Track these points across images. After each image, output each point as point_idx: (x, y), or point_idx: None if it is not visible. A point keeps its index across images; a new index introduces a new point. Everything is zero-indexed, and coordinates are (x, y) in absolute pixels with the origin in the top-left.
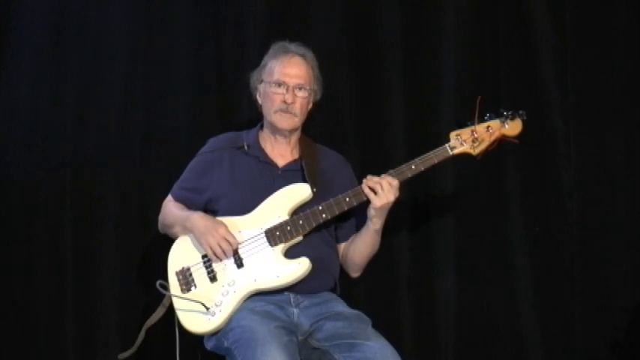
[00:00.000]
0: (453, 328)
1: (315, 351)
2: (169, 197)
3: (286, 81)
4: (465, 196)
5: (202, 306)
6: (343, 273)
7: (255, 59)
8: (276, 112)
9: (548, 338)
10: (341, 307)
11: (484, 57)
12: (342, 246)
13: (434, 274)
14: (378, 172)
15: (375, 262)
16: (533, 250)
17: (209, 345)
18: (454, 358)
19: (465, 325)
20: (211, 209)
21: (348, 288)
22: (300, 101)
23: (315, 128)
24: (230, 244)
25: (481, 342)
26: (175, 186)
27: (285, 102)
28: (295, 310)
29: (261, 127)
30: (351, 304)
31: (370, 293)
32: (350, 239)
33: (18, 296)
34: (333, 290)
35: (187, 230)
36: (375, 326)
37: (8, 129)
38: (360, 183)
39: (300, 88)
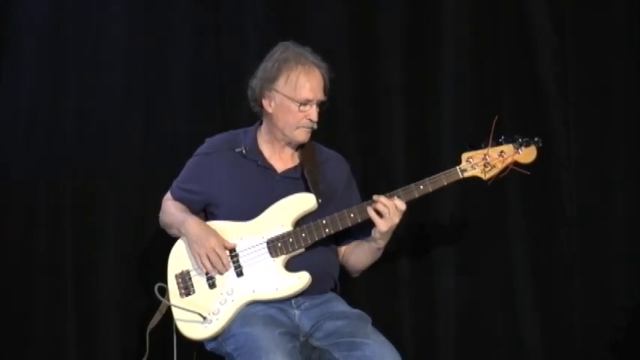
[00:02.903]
0: (453, 328)
1: (315, 350)
2: (168, 195)
3: (312, 99)
4: (465, 195)
5: (199, 315)
6: (342, 272)
7: (255, 59)
8: (298, 128)
9: (548, 338)
10: (341, 306)
11: (484, 57)
12: (342, 249)
13: (434, 273)
14: (377, 173)
15: (376, 262)
16: (533, 250)
17: (209, 346)
18: (454, 357)
19: (465, 325)
20: (211, 213)
21: (348, 287)
22: (319, 114)
23: (315, 128)
24: (219, 257)
25: (481, 342)
26: (174, 184)
27: (311, 120)
28: (296, 312)
29: (260, 124)
30: (352, 303)
31: (370, 292)
32: (350, 244)
33: (18, 296)
34: (333, 289)
35: (183, 234)
36: (375, 325)
37: (8, 129)
38: (358, 187)
39: (322, 103)
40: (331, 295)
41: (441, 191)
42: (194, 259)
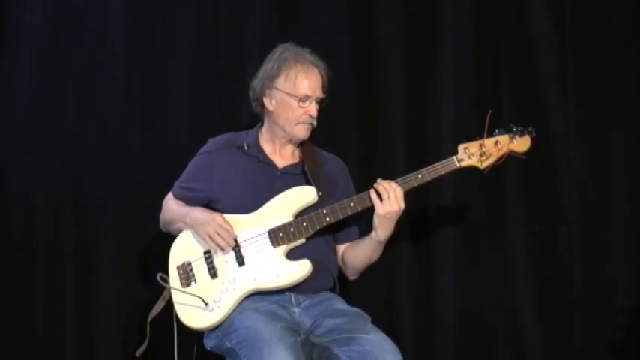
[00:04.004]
0: (453, 328)
1: (315, 347)
2: (170, 195)
3: (311, 95)
4: (465, 195)
5: (201, 301)
6: (341, 273)
7: (255, 59)
8: (298, 124)
9: (548, 338)
10: (340, 304)
11: (484, 57)
12: (340, 247)
13: (433, 273)
14: (377, 173)
15: (375, 261)
16: (533, 250)
17: (209, 345)
18: (454, 357)
19: (465, 325)
20: (212, 209)
21: (348, 287)
22: (318, 112)
23: (315, 128)
24: (227, 231)
25: (481, 342)
26: (176, 185)
27: (310, 116)
28: (296, 310)
29: (261, 126)
30: (351, 302)
31: (370, 292)
32: (349, 242)
33: (18, 296)
34: (332, 289)
35: (188, 226)
36: (374, 324)
37: (8, 129)
38: (357, 186)
39: (321, 101)
40: (330, 294)
41: (436, 185)
42: (204, 241)
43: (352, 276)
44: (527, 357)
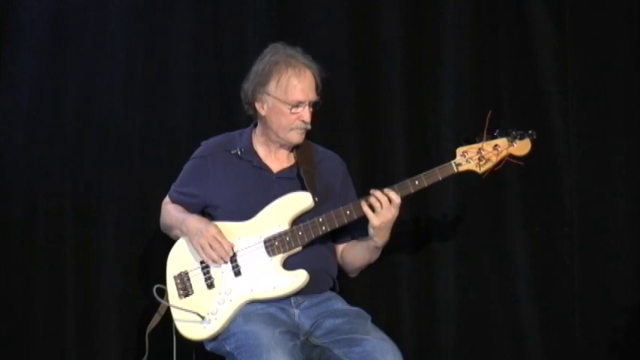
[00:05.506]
0: (453, 328)
1: (316, 348)
2: (167, 199)
3: (304, 100)
4: (465, 195)
5: (198, 315)
6: (341, 271)
7: (255, 59)
8: (292, 130)
9: (548, 338)
10: (340, 304)
11: (484, 57)
12: (339, 247)
13: (434, 273)
14: (377, 173)
15: (375, 261)
16: (533, 249)
17: (209, 346)
18: (454, 357)
19: (465, 325)
20: (209, 214)
21: (348, 287)
22: (312, 114)
23: (315, 128)
24: (221, 244)
25: (481, 342)
26: (172, 188)
27: (303, 121)
28: (296, 311)
29: (254, 126)
30: (351, 302)
31: (370, 292)
32: (347, 243)
33: (18, 296)
34: (332, 289)
35: (184, 233)
36: (374, 324)
37: (8, 129)
38: (357, 187)
39: (314, 104)
40: (330, 294)
41: (437, 186)
42: (197, 252)
43: (352, 274)
44: (527, 357)
